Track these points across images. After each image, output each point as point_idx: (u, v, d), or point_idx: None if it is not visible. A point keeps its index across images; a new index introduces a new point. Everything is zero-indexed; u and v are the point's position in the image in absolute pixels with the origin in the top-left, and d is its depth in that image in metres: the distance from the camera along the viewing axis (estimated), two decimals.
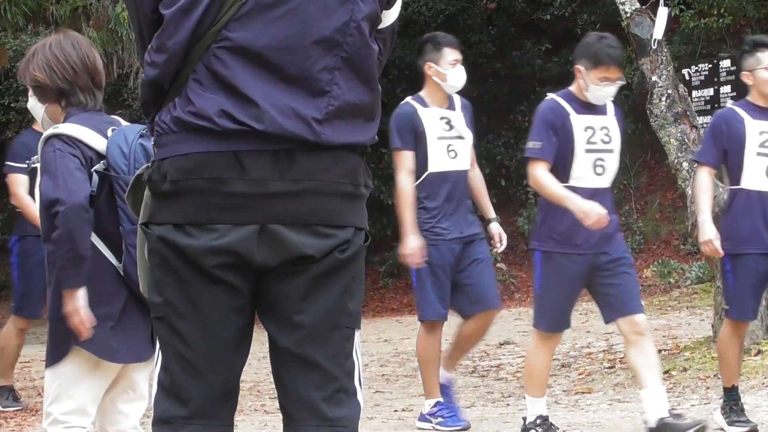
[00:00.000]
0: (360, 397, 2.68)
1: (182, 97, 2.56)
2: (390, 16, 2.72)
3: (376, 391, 8.04)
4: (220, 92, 2.53)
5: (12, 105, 19.24)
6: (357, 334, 2.69)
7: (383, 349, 10.29)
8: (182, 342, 2.58)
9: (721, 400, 6.05)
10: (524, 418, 5.97)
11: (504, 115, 16.46)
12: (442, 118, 6.53)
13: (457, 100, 6.67)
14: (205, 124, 2.52)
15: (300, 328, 2.59)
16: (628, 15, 7.98)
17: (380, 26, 2.70)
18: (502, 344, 9.97)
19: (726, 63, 11.33)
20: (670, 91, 7.82)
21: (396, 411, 7.23)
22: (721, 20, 13.55)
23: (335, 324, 2.62)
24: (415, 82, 17.01)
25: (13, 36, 16.65)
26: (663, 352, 8.20)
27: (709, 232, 5.77)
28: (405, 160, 6.45)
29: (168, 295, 2.58)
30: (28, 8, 12.30)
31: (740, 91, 11.08)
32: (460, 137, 6.57)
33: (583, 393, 7.38)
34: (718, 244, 5.77)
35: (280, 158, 2.55)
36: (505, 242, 6.75)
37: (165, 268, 2.57)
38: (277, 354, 2.64)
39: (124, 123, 3.99)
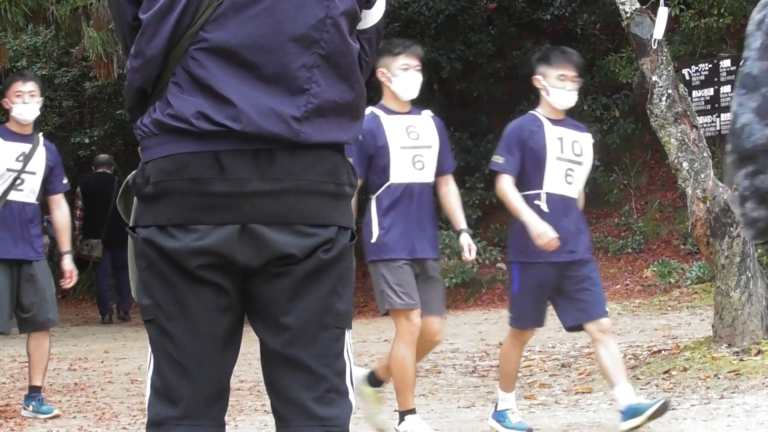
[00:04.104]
0: (352, 396, 2.68)
1: (162, 100, 2.57)
2: (372, 17, 2.73)
3: None
4: (198, 94, 2.54)
5: None
6: (348, 333, 2.68)
7: (383, 349, 10.27)
8: (172, 343, 2.60)
9: None
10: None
11: (504, 115, 16.45)
12: None
13: None
14: (182, 126, 2.53)
15: (287, 329, 2.60)
16: (628, 15, 7.98)
17: (364, 27, 2.70)
18: (502, 344, 9.96)
19: (726, 63, 11.32)
20: (670, 91, 7.82)
21: (396, 411, 7.22)
22: (721, 20, 13.55)
23: (323, 324, 2.61)
24: None
25: (13, 36, 16.66)
26: (663, 352, 8.20)
27: None
28: None
29: (156, 296, 2.60)
30: (28, 8, 12.30)
31: None
32: None
33: (583, 393, 7.38)
34: None
35: (261, 158, 2.55)
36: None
37: (152, 270, 2.59)
38: (266, 356, 2.65)
39: None
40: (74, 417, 7.38)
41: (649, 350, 8.43)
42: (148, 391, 2.65)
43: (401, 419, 6.15)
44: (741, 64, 3.20)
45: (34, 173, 7.32)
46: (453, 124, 16.45)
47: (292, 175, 2.56)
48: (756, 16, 3.19)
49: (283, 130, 2.54)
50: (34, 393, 7.44)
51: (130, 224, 2.65)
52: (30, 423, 7.22)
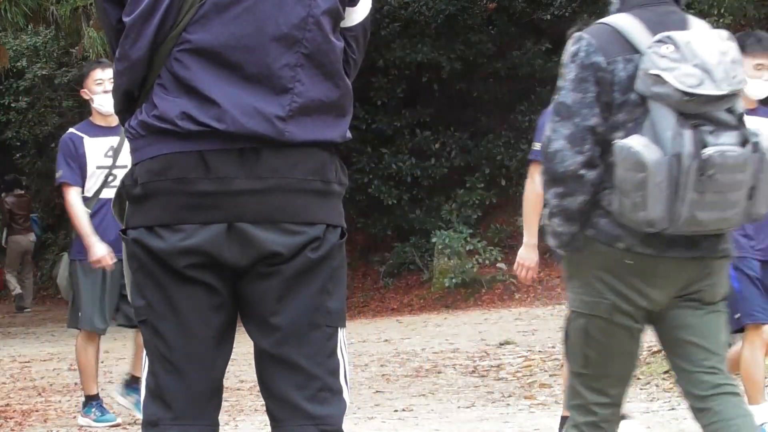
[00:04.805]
0: (346, 395, 2.68)
1: (148, 101, 2.59)
2: (358, 14, 2.72)
3: (376, 391, 8.04)
4: (183, 95, 2.55)
5: (12, 105, 19.23)
6: (341, 332, 2.68)
7: (383, 349, 10.28)
8: (164, 343, 2.61)
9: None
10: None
11: (504, 115, 16.45)
12: None
13: None
14: (167, 127, 2.55)
15: (277, 330, 2.61)
16: None
17: (349, 24, 2.71)
18: (502, 344, 9.97)
19: None
20: None
21: (396, 411, 7.22)
22: (721, 20, 13.55)
23: (313, 324, 2.61)
24: (415, 81, 17.03)
25: (13, 36, 16.66)
26: (663, 351, 8.20)
27: None
28: None
29: (148, 297, 2.61)
30: (28, 8, 12.30)
31: None
32: None
33: None
34: None
35: (246, 156, 2.56)
36: None
37: (143, 271, 2.60)
38: (258, 356, 2.66)
39: None
40: (74, 417, 7.37)
41: (649, 350, 8.42)
42: (143, 392, 2.67)
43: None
44: (556, 92, 3.46)
45: (125, 166, 6.67)
46: (453, 124, 16.46)
47: (278, 174, 2.57)
48: (571, 48, 3.49)
49: (267, 129, 2.55)
50: (135, 384, 6.91)
51: (122, 226, 2.66)
52: (30, 423, 7.23)
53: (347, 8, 2.68)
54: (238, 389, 8.15)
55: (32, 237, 16.38)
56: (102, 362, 10.16)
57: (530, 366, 8.57)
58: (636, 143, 3.28)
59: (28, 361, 10.52)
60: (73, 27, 13.16)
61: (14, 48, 17.81)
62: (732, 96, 3.32)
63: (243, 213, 2.56)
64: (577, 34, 3.48)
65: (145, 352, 2.66)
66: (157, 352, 2.62)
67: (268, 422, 2.71)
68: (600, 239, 3.43)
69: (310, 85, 2.60)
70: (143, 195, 2.58)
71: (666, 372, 7.41)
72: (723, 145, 3.28)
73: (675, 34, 3.33)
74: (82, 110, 19.41)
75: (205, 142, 2.55)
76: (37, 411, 7.70)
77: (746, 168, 3.32)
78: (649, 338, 9.36)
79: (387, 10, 16.08)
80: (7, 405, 7.99)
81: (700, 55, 3.29)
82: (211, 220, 2.55)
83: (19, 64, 18.43)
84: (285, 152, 2.58)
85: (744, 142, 3.33)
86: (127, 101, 2.65)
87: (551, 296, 13.50)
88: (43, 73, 18.67)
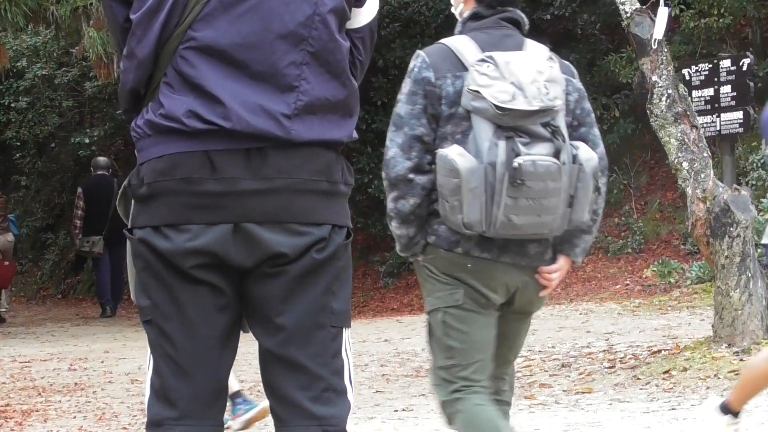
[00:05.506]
0: (350, 395, 2.68)
1: (155, 100, 2.59)
2: (364, 15, 2.73)
3: (376, 391, 8.03)
4: (189, 93, 2.56)
5: (12, 105, 19.23)
6: (346, 332, 2.68)
7: (383, 349, 10.28)
8: (169, 343, 2.61)
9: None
10: None
11: None
12: None
13: None
14: (174, 126, 2.55)
15: (281, 330, 2.61)
16: (628, 15, 7.98)
17: (356, 26, 2.71)
18: None
19: (726, 63, 11.31)
20: (670, 91, 7.81)
21: (396, 411, 7.22)
22: (721, 20, 13.53)
23: (318, 324, 2.62)
24: None
25: (13, 36, 16.65)
26: (663, 352, 8.20)
27: None
28: None
29: (154, 297, 2.61)
30: (28, 8, 12.30)
31: (740, 91, 11.08)
32: None
33: (583, 393, 7.37)
34: None
35: (252, 157, 2.56)
36: None
37: (149, 271, 2.60)
38: (262, 356, 2.67)
39: None
40: (74, 417, 7.38)
41: (649, 350, 8.43)
42: (147, 392, 2.67)
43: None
44: (395, 104, 3.70)
45: None
46: None
47: (284, 174, 2.58)
48: (410, 65, 3.72)
49: (273, 127, 2.56)
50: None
51: (128, 225, 2.66)
52: (30, 423, 7.22)
53: (354, 9, 2.68)
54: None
55: (10, 237, 16.51)
56: (102, 362, 10.19)
57: (530, 366, 8.56)
58: (451, 152, 3.55)
59: (28, 361, 10.52)
60: (73, 27, 13.16)
61: (14, 48, 17.81)
62: (545, 111, 3.55)
63: (249, 213, 2.56)
64: (417, 52, 3.73)
65: (149, 352, 2.66)
66: (163, 352, 2.62)
67: (268, 422, 2.71)
68: (440, 245, 3.69)
69: (315, 83, 2.60)
70: (149, 195, 2.58)
71: (666, 372, 7.41)
72: (535, 155, 3.53)
73: (497, 55, 3.59)
74: (83, 110, 19.43)
75: (211, 142, 2.55)
76: (37, 411, 7.70)
77: (559, 177, 3.56)
78: (648, 338, 9.40)
79: (387, 10, 16.08)
80: (7, 405, 7.99)
81: (516, 73, 3.55)
82: (217, 221, 2.56)
83: (19, 64, 18.43)
84: (291, 152, 2.58)
85: (557, 154, 3.56)
86: (133, 100, 2.65)
87: (551, 296, 13.49)
88: (43, 73, 18.67)
